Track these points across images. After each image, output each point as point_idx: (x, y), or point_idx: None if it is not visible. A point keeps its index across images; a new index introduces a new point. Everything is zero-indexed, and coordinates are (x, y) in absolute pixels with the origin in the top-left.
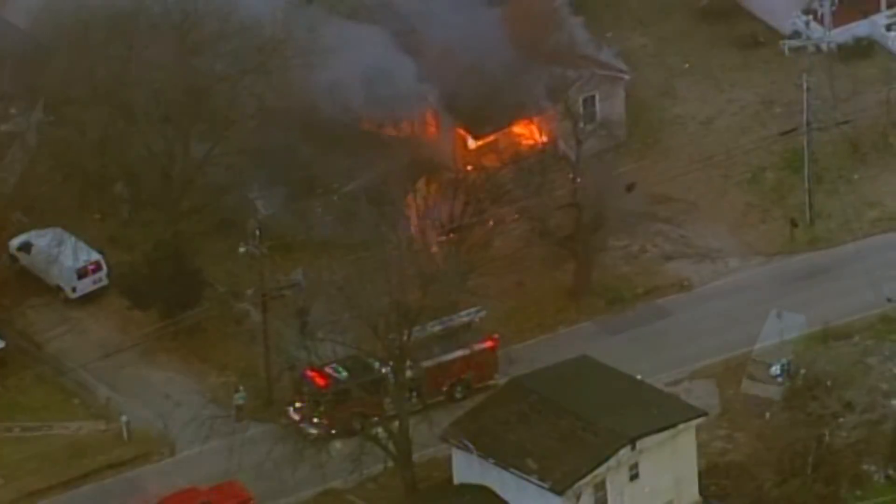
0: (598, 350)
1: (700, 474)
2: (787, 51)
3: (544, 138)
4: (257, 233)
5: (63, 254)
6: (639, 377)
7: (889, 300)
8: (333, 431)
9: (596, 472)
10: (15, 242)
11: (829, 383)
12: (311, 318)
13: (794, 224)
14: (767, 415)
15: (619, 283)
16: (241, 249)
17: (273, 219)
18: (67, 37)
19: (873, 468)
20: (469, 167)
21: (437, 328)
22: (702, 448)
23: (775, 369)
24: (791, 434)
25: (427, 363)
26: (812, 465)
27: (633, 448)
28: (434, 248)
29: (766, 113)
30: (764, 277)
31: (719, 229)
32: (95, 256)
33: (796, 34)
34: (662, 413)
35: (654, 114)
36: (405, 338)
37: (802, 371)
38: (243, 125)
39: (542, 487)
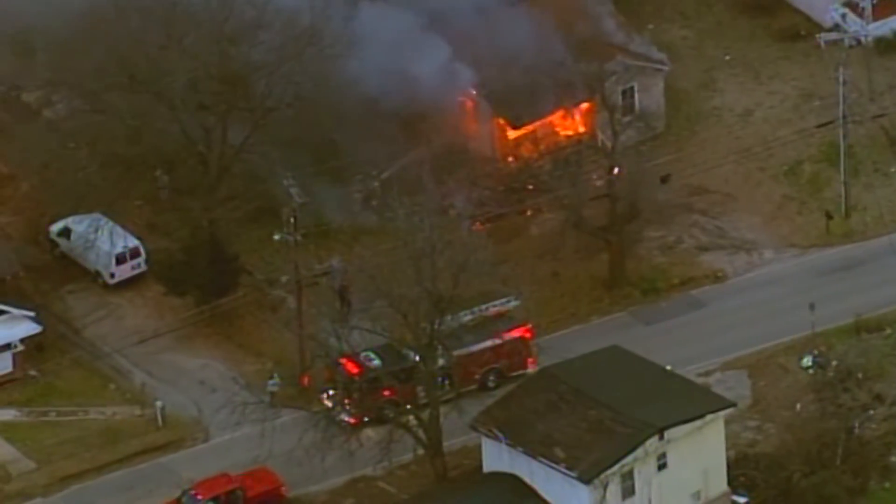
0: (632, 340)
1: (729, 465)
2: (822, 44)
3: (583, 129)
4: (292, 220)
5: (101, 239)
6: (668, 368)
7: None
8: (366, 419)
9: (623, 461)
10: (55, 228)
11: (859, 375)
12: (351, 297)
13: (829, 216)
14: (798, 406)
15: (654, 273)
16: (276, 237)
17: (310, 206)
18: (105, 24)
19: None
20: (508, 157)
21: (470, 317)
22: (732, 439)
23: (807, 360)
24: (821, 426)
25: (459, 352)
26: (841, 457)
27: (661, 438)
28: (466, 237)
29: (805, 106)
30: (798, 269)
31: (755, 221)
32: (134, 242)
33: (837, 27)
34: (691, 404)
35: (693, 105)
36: (435, 326)
37: (834, 363)
38: (280, 113)
39: (570, 476)
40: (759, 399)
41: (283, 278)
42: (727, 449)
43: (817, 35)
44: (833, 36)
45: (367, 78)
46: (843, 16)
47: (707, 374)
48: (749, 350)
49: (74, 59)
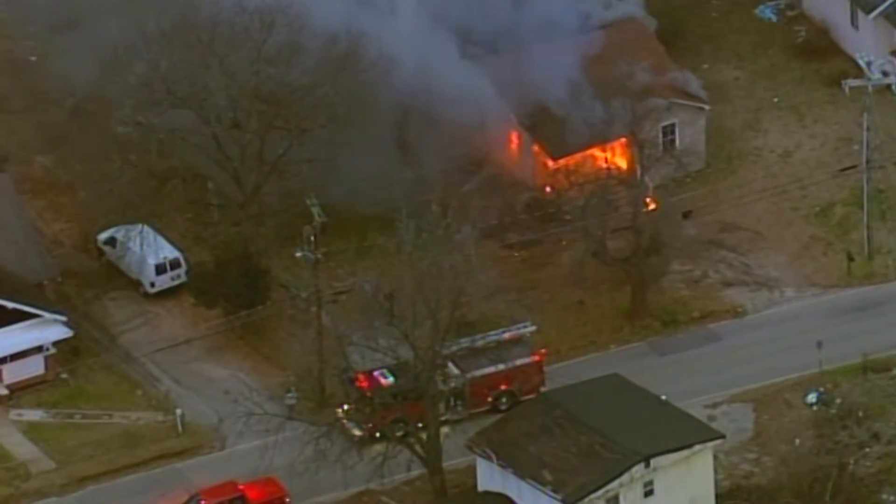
0: (644, 370)
1: (723, 495)
2: (847, 90)
3: (623, 163)
4: (312, 238)
5: (144, 250)
6: (664, 398)
7: None
8: (378, 434)
9: (608, 487)
10: (102, 236)
11: (860, 414)
12: (397, 304)
13: (850, 258)
14: (797, 441)
15: (676, 306)
16: (298, 254)
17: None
18: (149, 43)
19: (892, 498)
20: (545, 186)
21: (482, 341)
22: (729, 469)
23: (812, 397)
24: (815, 461)
25: (472, 374)
26: (831, 493)
27: (648, 466)
28: (468, 261)
29: (844, 149)
30: (816, 308)
31: (780, 259)
32: (175, 254)
33: (885, 74)
34: (680, 433)
35: (736, 144)
36: (438, 349)
37: (838, 400)
38: (315, 134)
39: (555, 499)
40: (761, 432)
41: (303, 294)
42: (723, 479)
43: (843, 81)
44: (857, 82)
45: (403, 102)
46: (869, 63)
47: (714, 405)
48: (757, 384)
49: (118, 74)
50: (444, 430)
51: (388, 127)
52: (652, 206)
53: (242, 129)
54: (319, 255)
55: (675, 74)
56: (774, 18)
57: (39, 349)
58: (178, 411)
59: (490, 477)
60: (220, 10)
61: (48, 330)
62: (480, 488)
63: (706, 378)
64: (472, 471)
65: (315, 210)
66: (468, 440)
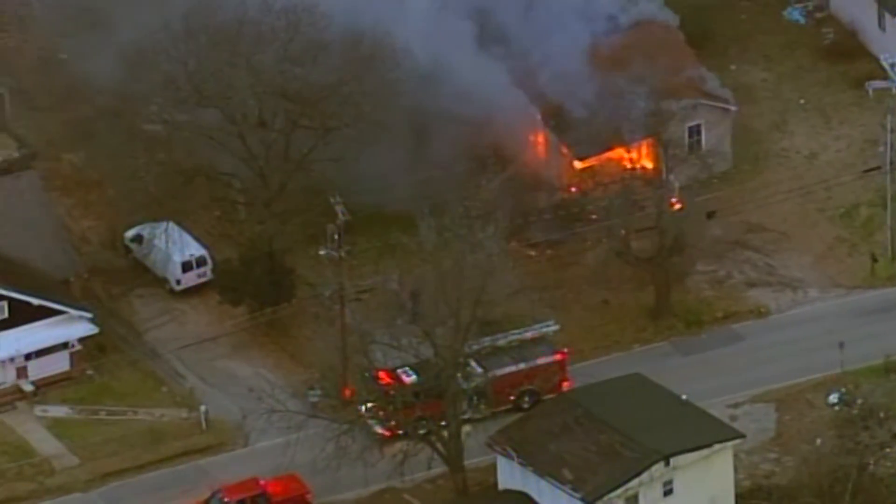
0: (667, 369)
1: (743, 495)
2: (871, 92)
3: (649, 163)
4: (336, 237)
5: (171, 247)
6: (684, 397)
7: None
8: (401, 432)
9: (627, 485)
10: (129, 234)
11: (881, 414)
12: (421, 302)
13: (874, 259)
14: (819, 441)
15: (700, 306)
16: (322, 252)
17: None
18: (176, 41)
19: None
20: (571, 187)
21: (504, 340)
22: (750, 469)
23: (833, 397)
24: (836, 461)
25: (494, 372)
26: (851, 493)
27: (667, 465)
28: (490, 260)
29: (870, 151)
30: (839, 309)
31: (805, 260)
32: (201, 251)
33: None
34: (700, 433)
35: (763, 146)
36: (460, 347)
37: (859, 401)
38: (341, 132)
39: (574, 497)
40: (782, 432)
41: (326, 292)
42: (744, 479)
43: (866, 83)
44: (881, 84)
45: (429, 102)
46: (893, 65)
47: (736, 405)
48: (780, 384)
49: (145, 72)
50: (466, 428)
51: (412, 125)
52: (678, 207)
53: (268, 128)
54: (343, 254)
55: (700, 75)
56: (802, 20)
57: (65, 346)
58: (202, 408)
59: (511, 475)
60: (246, 9)
61: (73, 326)
62: (501, 487)
63: (729, 378)
64: (493, 469)
65: (339, 208)
66: (489, 438)
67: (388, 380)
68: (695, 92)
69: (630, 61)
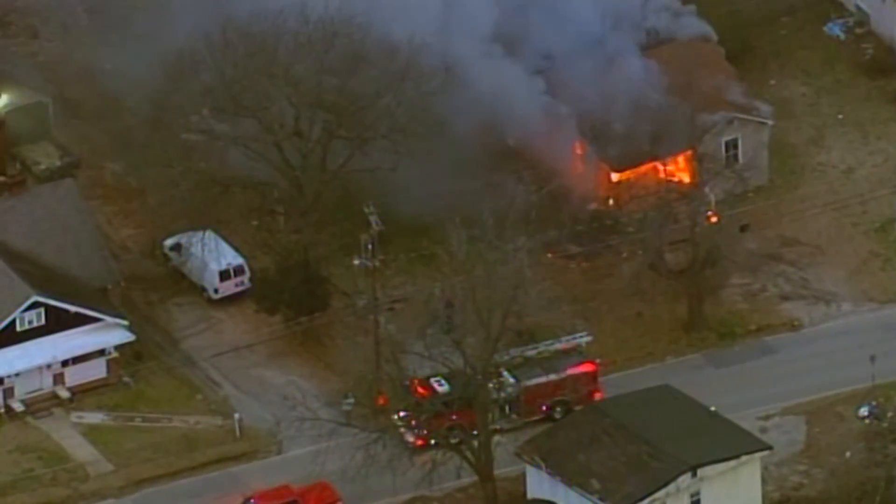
0: (699, 382)
1: None
2: None
3: (683, 177)
4: (370, 246)
5: (209, 256)
6: (713, 409)
7: None
8: (433, 441)
9: (655, 496)
10: (169, 242)
11: None
12: (456, 313)
13: None
14: (848, 454)
15: (733, 318)
16: (356, 262)
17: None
18: (214, 52)
19: None
20: (608, 199)
21: (535, 351)
22: (780, 481)
23: (864, 410)
24: (865, 474)
25: (526, 382)
26: None
27: (695, 475)
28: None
29: None
30: (871, 323)
31: (839, 274)
32: (239, 261)
33: None
34: (728, 444)
35: (800, 160)
36: (490, 358)
37: (889, 414)
38: (376, 143)
39: None
40: (812, 444)
41: (360, 302)
42: (773, 490)
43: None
44: None
45: (466, 114)
46: None
47: (766, 418)
48: (810, 397)
49: (183, 81)
50: (496, 438)
51: (448, 136)
52: (714, 220)
53: (304, 138)
54: (376, 263)
55: (738, 90)
56: (842, 36)
57: (101, 353)
58: (237, 416)
59: (539, 485)
60: (284, 20)
61: (110, 334)
62: (530, 496)
63: (760, 390)
64: (522, 479)
65: (372, 218)
66: (517, 448)
67: (420, 389)
68: (731, 106)
69: (669, 75)
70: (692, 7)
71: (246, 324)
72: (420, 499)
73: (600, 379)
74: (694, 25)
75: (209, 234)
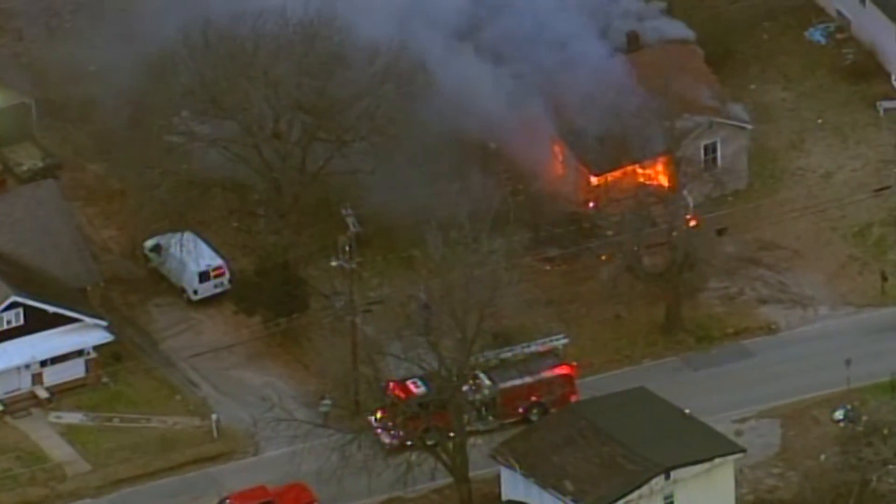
0: (677, 384)
1: None
2: (882, 111)
3: (665, 180)
4: (348, 248)
5: (188, 257)
6: (687, 411)
7: None
8: (409, 443)
9: (628, 498)
10: (148, 243)
11: (885, 431)
12: (433, 315)
13: (884, 278)
14: (823, 457)
15: (710, 322)
16: (333, 263)
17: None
18: (194, 54)
19: None
20: (587, 202)
21: (511, 353)
22: (754, 484)
23: (839, 414)
24: (839, 477)
25: (502, 384)
26: None
27: (668, 478)
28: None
29: (886, 170)
30: (848, 327)
31: (817, 278)
32: (219, 262)
33: None
34: (701, 447)
35: (780, 164)
36: (466, 359)
37: (864, 418)
38: (356, 145)
39: None
40: (787, 448)
41: (338, 304)
42: (747, 493)
43: (878, 102)
44: (892, 104)
45: (445, 117)
46: None
47: (742, 421)
48: (786, 400)
49: (164, 83)
50: (472, 439)
51: (426, 139)
52: (693, 224)
53: (284, 140)
54: (354, 265)
55: (717, 94)
56: (823, 41)
57: (80, 353)
58: (214, 416)
59: (514, 486)
60: (264, 22)
61: (88, 334)
62: (505, 498)
63: (737, 393)
64: (497, 480)
65: (350, 220)
66: (493, 450)
67: (397, 390)
68: (710, 110)
69: (648, 79)
70: (663, 6)
71: (225, 325)
72: (395, 500)
73: (578, 381)
74: (673, 29)
75: (188, 236)
